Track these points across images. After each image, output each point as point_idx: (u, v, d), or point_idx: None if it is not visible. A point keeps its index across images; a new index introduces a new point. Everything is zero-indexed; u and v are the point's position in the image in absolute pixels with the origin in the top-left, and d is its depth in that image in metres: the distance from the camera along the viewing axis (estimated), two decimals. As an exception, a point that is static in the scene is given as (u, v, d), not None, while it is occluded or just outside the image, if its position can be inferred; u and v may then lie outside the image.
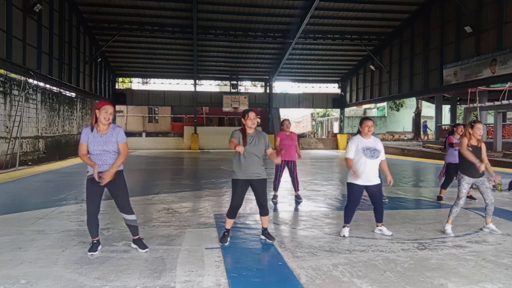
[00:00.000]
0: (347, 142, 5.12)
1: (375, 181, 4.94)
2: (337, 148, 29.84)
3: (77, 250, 4.37)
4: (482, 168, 5.03)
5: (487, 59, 15.52)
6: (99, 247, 4.31)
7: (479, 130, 5.15)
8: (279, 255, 4.31)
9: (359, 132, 5.05)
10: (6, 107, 14.24)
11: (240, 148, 4.43)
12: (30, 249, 4.38)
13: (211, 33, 21.92)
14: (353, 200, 5.00)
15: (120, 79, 30.81)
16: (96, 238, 4.31)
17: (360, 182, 4.90)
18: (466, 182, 5.19)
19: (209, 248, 4.48)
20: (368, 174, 4.87)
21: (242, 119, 4.71)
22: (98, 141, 4.14)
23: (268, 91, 30.32)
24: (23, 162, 14.66)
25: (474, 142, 5.18)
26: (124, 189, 4.31)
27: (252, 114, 4.65)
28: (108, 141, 4.17)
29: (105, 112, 4.14)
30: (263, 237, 4.83)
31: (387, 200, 7.38)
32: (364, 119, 5.04)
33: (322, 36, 22.50)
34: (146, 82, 31.50)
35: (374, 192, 5.00)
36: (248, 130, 4.67)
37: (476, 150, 5.16)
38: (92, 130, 4.17)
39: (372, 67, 25.33)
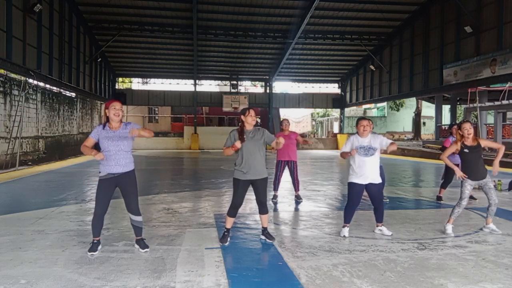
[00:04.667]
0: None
1: (376, 180, 4.94)
2: (337, 148, 29.79)
3: (77, 250, 4.37)
4: (459, 174, 5.16)
5: (487, 59, 15.52)
6: (99, 247, 4.31)
7: (466, 130, 5.13)
8: (279, 255, 4.31)
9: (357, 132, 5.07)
10: (6, 107, 14.24)
11: (237, 144, 4.42)
12: (30, 249, 4.38)
13: (211, 33, 21.92)
14: (353, 200, 5.00)
15: (120, 79, 30.79)
16: (97, 238, 4.32)
17: (360, 181, 4.90)
18: (469, 183, 5.19)
19: (209, 248, 4.48)
20: (366, 173, 4.87)
21: (242, 116, 4.65)
22: (112, 137, 4.20)
23: (268, 91, 30.31)
24: (23, 162, 14.66)
25: (469, 142, 5.15)
26: (135, 189, 4.36)
27: (252, 111, 4.64)
28: (122, 137, 4.23)
29: (114, 108, 4.22)
30: (263, 237, 4.83)
31: (388, 200, 7.38)
32: (359, 119, 5.06)
33: (322, 36, 22.50)
34: (146, 82, 31.50)
35: (375, 192, 4.99)
36: (247, 127, 4.64)
37: (475, 149, 5.12)
38: (104, 128, 4.23)
39: (372, 67, 25.32)
